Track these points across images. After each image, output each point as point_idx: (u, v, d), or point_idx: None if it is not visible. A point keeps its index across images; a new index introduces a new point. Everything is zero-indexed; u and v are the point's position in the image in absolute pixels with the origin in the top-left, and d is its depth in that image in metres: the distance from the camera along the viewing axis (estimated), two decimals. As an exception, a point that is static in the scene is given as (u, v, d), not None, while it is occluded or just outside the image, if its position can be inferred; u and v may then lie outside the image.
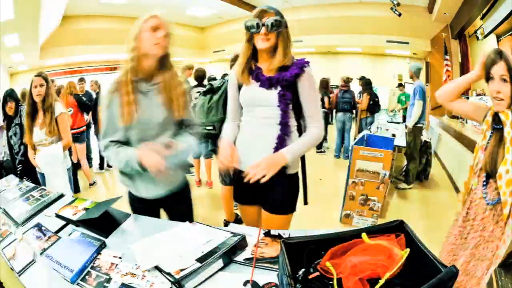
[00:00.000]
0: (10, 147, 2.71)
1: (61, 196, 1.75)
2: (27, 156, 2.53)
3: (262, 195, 1.48)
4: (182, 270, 0.99)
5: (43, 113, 2.34)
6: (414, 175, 4.14)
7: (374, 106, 5.67)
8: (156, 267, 1.05)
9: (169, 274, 0.99)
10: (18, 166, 2.72)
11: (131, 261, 1.14)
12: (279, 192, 1.45)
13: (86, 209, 1.48)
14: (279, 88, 1.36)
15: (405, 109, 5.18)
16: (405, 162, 4.29)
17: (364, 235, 0.91)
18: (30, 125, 2.32)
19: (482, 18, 5.73)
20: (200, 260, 1.03)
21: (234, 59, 4.25)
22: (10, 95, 2.69)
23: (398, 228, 0.99)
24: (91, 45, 10.34)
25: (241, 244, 1.14)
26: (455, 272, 0.74)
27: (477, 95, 5.69)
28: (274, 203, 1.48)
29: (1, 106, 2.81)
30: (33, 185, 1.91)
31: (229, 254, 1.08)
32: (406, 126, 4.25)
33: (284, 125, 1.38)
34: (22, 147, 2.65)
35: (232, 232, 1.19)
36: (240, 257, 1.13)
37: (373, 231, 0.99)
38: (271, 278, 1.04)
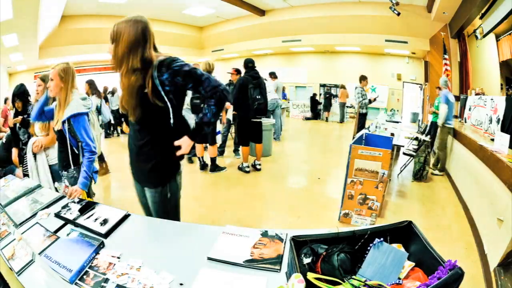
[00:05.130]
0: (17, 139, 2.96)
1: (62, 197, 1.75)
2: None
3: None
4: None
5: None
6: (443, 163, 4.88)
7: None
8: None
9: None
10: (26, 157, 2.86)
11: (128, 261, 1.14)
12: None
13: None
14: None
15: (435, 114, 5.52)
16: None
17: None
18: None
19: (481, 18, 5.73)
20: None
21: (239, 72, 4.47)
22: (17, 95, 2.90)
23: (406, 229, 1.00)
24: (90, 44, 10.34)
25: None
26: (461, 274, 0.74)
27: (476, 94, 5.69)
28: None
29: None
30: (32, 185, 1.91)
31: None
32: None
33: None
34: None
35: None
36: (240, 259, 1.13)
37: (380, 231, 1.00)
38: (271, 279, 1.04)
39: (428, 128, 5.96)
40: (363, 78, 6.27)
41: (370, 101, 6.36)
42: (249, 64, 4.45)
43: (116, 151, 6.58)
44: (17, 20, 6.51)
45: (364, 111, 6.22)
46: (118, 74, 1.42)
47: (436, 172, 4.84)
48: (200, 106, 4.18)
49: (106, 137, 8.12)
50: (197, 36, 13.01)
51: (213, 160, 4.70)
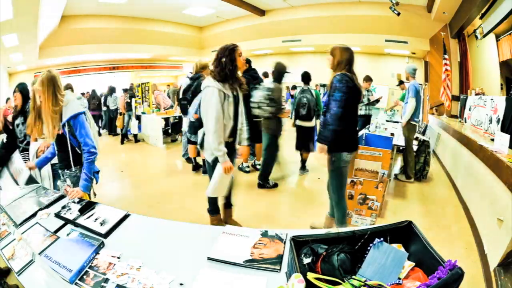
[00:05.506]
0: (14, 136, 2.86)
1: (62, 197, 1.75)
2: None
3: None
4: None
5: None
6: (412, 169, 4.33)
7: None
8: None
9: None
10: (22, 154, 2.81)
11: (128, 261, 1.14)
12: None
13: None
14: None
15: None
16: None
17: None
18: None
19: (481, 18, 5.73)
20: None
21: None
22: (18, 86, 2.82)
23: (406, 229, 1.00)
24: (90, 44, 10.33)
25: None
26: (461, 274, 0.74)
27: (476, 94, 5.69)
28: None
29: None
30: (32, 185, 1.91)
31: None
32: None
33: None
34: (28, 136, 2.77)
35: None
36: (240, 259, 1.13)
37: (380, 231, 1.00)
38: (271, 279, 1.04)
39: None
40: (364, 79, 5.89)
41: (378, 101, 6.06)
42: (251, 63, 4.39)
43: (117, 151, 6.58)
44: (17, 20, 6.50)
45: (362, 112, 5.89)
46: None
47: (403, 178, 4.37)
48: (187, 106, 4.21)
49: (109, 134, 8.78)
50: (197, 36, 13.00)
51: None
